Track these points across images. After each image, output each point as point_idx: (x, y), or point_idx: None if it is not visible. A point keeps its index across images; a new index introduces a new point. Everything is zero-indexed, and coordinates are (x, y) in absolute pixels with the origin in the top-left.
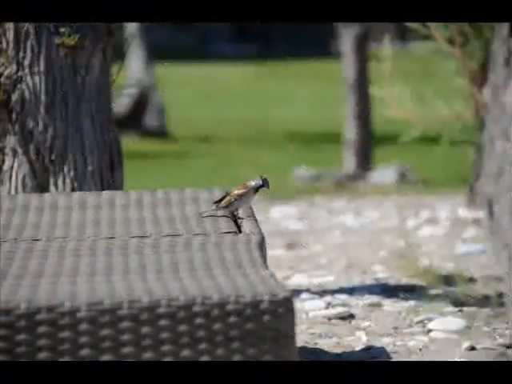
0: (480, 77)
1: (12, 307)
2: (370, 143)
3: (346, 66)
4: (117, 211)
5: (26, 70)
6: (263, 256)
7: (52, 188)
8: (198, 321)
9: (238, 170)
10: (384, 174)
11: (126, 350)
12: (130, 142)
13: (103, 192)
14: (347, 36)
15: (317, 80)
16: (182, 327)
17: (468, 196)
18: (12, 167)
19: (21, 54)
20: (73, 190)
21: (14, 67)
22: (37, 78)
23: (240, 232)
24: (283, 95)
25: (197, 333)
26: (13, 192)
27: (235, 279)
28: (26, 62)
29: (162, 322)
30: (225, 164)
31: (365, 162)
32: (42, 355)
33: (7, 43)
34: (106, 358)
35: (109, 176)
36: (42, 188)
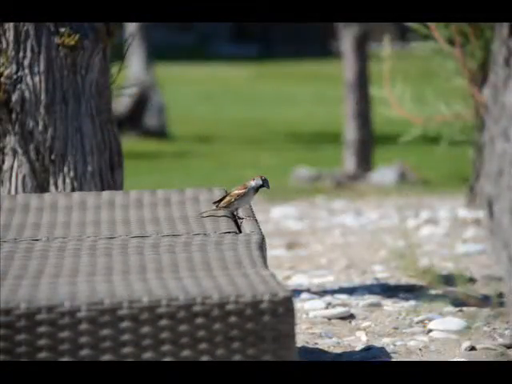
0: (480, 77)
1: (12, 307)
2: (370, 143)
3: (346, 66)
4: (117, 211)
5: (26, 70)
6: (263, 256)
7: (52, 188)
8: (198, 321)
9: (238, 169)
10: (384, 174)
11: (126, 350)
12: (129, 142)
13: (103, 192)
14: (347, 36)
15: (317, 80)
16: (182, 327)
17: (468, 196)
18: (12, 167)
19: (21, 54)
20: (73, 190)
21: (14, 67)
22: (37, 78)
23: (240, 232)
24: (283, 95)
25: (197, 333)
26: (13, 192)
27: (235, 279)
28: (26, 62)
29: (162, 322)
30: (225, 164)
31: (365, 162)
32: (42, 355)
33: (7, 43)
34: (106, 358)
35: (109, 176)
36: (42, 188)
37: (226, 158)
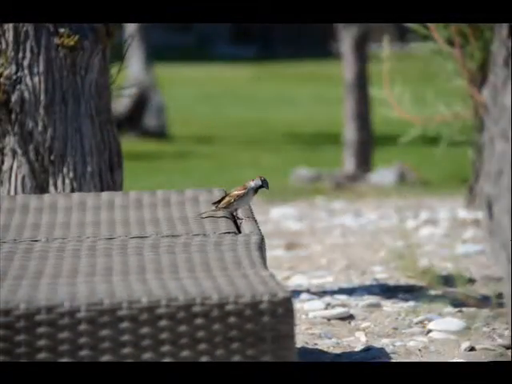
0: (479, 77)
1: (11, 307)
2: (370, 144)
3: (346, 67)
4: (116, 212)
5: (26, 71)
6: (263, 256)
7: (51, 189)
8: (198, 321)
9: (238, 170)
10: (383, 174)
11: (126, 350)
12: (129, 143)
13: (103, 193)
14: (347, 37)
15: (317, 81)
16: (182, 328)
17: (467, 197)
18: (11, 168)
19: (20, 55)
20: (72, 190)
21: (14, 68)
22: (36, 79)
23: (239, 232)
24: (283, 96)
25: (196, 333)
26: (12, 192)
27: (235, 279)
28: (26, 63)
29: (162, 323)
30: (224, 165)
31: (364, 162)
32: (42, 356)
33: (7, 44)
34: (105, 358)
35: (108, 176)
36: (42, 189)
37: (225, 158)
